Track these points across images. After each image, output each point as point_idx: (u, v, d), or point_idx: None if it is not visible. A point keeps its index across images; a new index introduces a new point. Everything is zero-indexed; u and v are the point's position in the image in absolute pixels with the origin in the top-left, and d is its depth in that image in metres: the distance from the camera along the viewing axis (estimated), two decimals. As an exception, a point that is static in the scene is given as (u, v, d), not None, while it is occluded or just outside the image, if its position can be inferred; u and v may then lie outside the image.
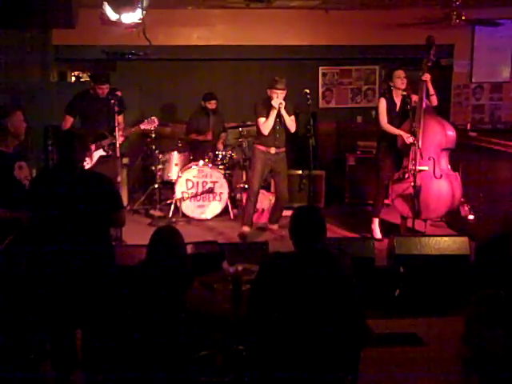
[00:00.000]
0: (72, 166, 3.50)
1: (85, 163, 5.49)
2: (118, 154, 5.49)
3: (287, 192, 6.13)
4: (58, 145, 3.71)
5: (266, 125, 5.76)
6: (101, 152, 5.69)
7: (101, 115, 5.63)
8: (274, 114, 5.71)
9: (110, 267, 3.56)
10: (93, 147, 5.59)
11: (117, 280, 3.45)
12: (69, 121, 5.72)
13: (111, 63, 7.72)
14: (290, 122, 5.82)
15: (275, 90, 5.66)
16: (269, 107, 5.72)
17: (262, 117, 5.80)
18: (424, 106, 5.59)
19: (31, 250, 3.46)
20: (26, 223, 3.51)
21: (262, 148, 5.89)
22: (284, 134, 5.89)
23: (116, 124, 5.42)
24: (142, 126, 5.93)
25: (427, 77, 5.53)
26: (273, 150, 5.87)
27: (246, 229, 5.99)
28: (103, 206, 3.46)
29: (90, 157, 5.57)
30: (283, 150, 5.96)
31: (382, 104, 5.78)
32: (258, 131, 5.90)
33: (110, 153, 5.71)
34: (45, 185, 3.49)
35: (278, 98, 5.66)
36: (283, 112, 5.71)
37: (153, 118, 5.98)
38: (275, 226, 6.25)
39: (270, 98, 5.72)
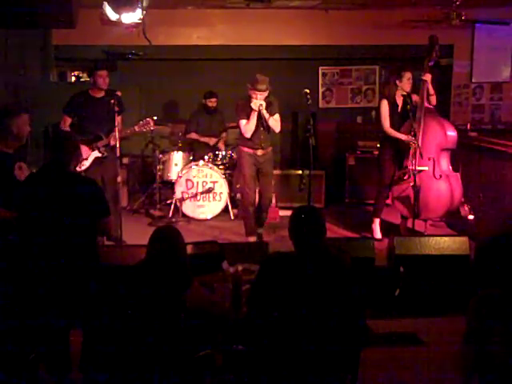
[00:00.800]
0: (60, 167, 3.50)
1: (80, 165, 5.51)
2: (118, 155, 5.47)
3: (272, 192, 6.01)
4: (48, 145, 3.71)
5: (247, 127, 5.53)
6: (96, 153, 5.61)
7: (98, 116, 5.55)
8: (254, 116, 5.45)
9: (94, 269, 3.57)
10: (88, 149, 5.55)
11: (103, 278, 3.46)
12: (67, 121, 5.64)
13: (111, 63, 7.72)
14: (274, 122, 5.56)
15: (255, 91, 5.40)
16: (249, 108, 5.46)
17: (243, 119, 5.55)
18: (425, 105, 5.59)
19: (17, 250, 3.47)
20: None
21: (248, 150, 5.67)
22: (269, 133, 5.68)
23: (116, 124, 5.40)
24: (137, 128, 5.78)
25: (428, 76, 5.53)
26: (259, 152, 5.66)
27: (252, 239, 5.89)
28: (88, 210, 3.48)
29: (85, 159, 5.57)
30: (270, 149, 5.77)
31: (385, 107, 5.73)
32: (241, 133, 5.66)
33: (106, 154, 5.61)
34: (31, 185, 3.51)
35: (257, 100, 5.39)
36: (264, 113, 5.45)
37: (147, 119, 5.80)
38: (260, 230, 6.01)
39: (250, 97, 5.44)
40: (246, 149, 5.70)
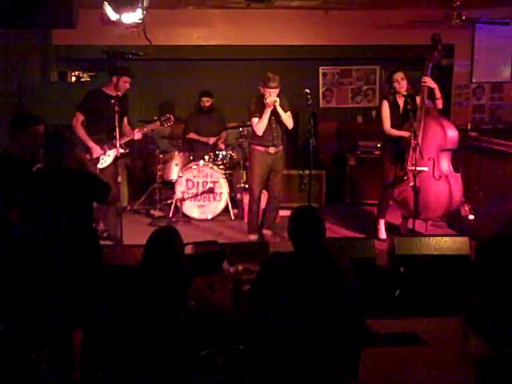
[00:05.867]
0: (58, 165, 3.52)
1: (102, 161, 5.65)
2: (119, 154, 5.48)
3: (282, 192, 6.00)
4: (45, 145, 3.74)
5: (259, 125, 5.57)
6: (116, 152, 5.62)
7: (111, 114, 5.50)
8: (267, 113, 5.51)
9: (97, 265, 3.60)
10: (105, 148, 5.66)
11: (106, 278, 3.48)
12: (80, 118, 5.68)
13: (111, 63, 7.71)
14: (287, 119, 5.64)
15: (268, 89, 5.46)
16: (262, 106, 5.51)
17: (256, 117, 5.60)
18: (427, 106, 5.57)
19: (19, 249, 3.49)
20: (13, 222, 3.54)
21: (260, 148, 5.71)
22: (281, 131, 5.71)
23: (116, 124, 5.39)
24: (159, 124, 6.03)
25: (428, 80, 5.49)
26: (272, 150, 5.70)
27: (252, 237, 5.91)
28: (90, 201, 3.62)
29: (103, 154, 5.65)
30: (281, 147, 5.79)
31: (385, 107, 5.71)
32: (254, 131, 5.71)
33: (128, 150, 5.77)
34: (32, 184, 3.52)
35: (271, 96, 5.44)
36: (279, 109, 5.51)
37: (168, 115, 6.07)
38: (269, 232, 5.99)
39: (263, 96, 5.51)
40: (258, 147, 5.74)
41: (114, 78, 5.72)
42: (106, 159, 5.72)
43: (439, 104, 5.59)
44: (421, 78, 5.55)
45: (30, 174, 3.68)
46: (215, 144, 7.29)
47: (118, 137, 5.39)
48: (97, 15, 5.77)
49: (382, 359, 3.85)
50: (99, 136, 5.66)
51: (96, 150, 5.65)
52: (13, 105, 6.76)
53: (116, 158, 5.63)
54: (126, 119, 5.84)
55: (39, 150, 3.85)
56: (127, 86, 5.77)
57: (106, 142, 5.68)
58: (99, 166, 5.69)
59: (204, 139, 7.30)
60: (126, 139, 5.80)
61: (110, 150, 5.70)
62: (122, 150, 5.67)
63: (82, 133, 5.64)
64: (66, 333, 3.50)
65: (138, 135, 5.89)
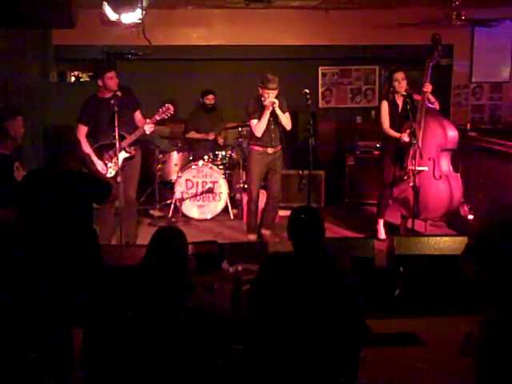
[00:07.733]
0: (57, 165, 3.52)
1: (110, 169, 5.46)
2: (126, 152, 5.43)
3: (280, 192, 5.99)
4: (45, 145, 3.78)
5: (259, 127, 5.55)
6: (124, 154, 5.45)
7: (111, 117, 5.29)
8: (267, 114, 5.49)
9: (96, 266, 3.60)
10: (110, 153, 5.46)
11: (105, 278, 3.49)
12: (83, 130, 5.43)
13: (111, 63, 7.71)
14: (285, 120, 5.62)
15: (267, 90, 5.43)
16: (261, 107, 5.50)
17: (255, 118, 5.58)
18: (427, 106, 5.57)
19: (19, 249, 3.49)
20: (13, 222, 3.55)
21: (258, 149, 5.70)
22: (279, 131, 5.68)
23: (116, 124, 5.33)
24: (158, 117, 5.57)
25: (428, 87, 5.49)
26: (270, 150, 5.68)
27: (252, 237, 5.90)
28: (89, 203, 3.59)
29: (106, 163, 5.51)
30: (279, 148, 5.77)
31: (384, 107, 5.72)
32: (252, 132, 5.69)
33: (133, 152, 5.49)
34: (31, 184, 3.53)
35: (269, 98, 5.41)
36: (277, 111, 5.49)
37: (167, 105, 5.62)
38: (268, 232, 5.97)
39: (261, 97, 5.49)
40: (256, 147, 5.72)
41: (99, 81, 5.46)
42: (114, 167, 5.44)
43: (436, 106, 5.62)
44: (421, 79, 5.56)
45: (10, 168, 3.72)
46: (215, 141, 7.27)
47: (117, 137, 5.24)
48: (96, 15, 5.77)
49: (382, 359, 3.85)
50: (105, 142, 5.43)
51: (99, 165, 5.46)
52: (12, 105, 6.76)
53: (124, 162, 5.44)
54: (138, 112, 5.55)
55: (19, 141, 3.96)
56: (115, 80, 5.43)
57: (107, 152, 5.48)
58: (108, 175, 5.46)
59: (204, 136, 7.28)
60: (138, 134, 5.46)
61: (114, 158, 5.43)
62: (126, 155, 5.47)
63: (86, 146, 5.34)
64: (66, 333, 3.50)
65: (148, 127, 5.44)
